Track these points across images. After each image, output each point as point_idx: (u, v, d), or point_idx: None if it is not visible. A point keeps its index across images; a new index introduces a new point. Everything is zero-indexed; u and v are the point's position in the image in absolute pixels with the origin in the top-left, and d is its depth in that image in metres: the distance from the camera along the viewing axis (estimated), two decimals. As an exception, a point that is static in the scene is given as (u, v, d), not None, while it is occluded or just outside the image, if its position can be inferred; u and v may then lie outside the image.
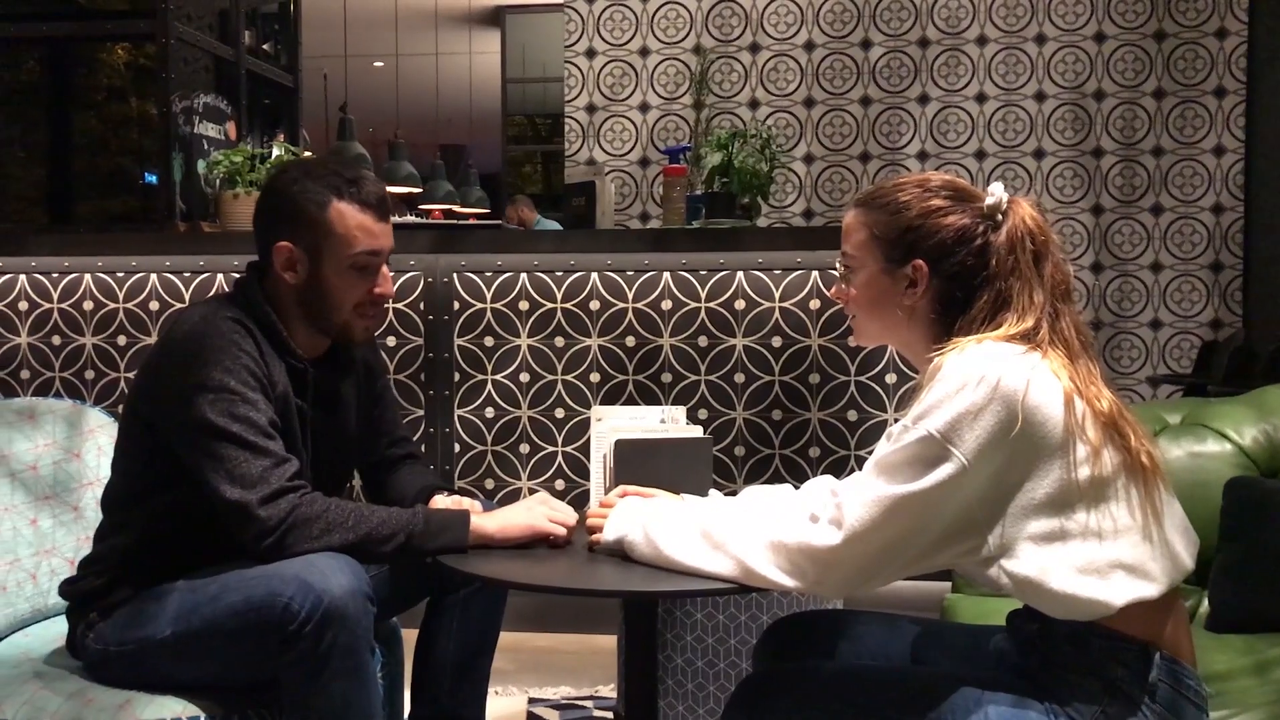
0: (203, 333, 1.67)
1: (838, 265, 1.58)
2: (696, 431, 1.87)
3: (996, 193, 1.48)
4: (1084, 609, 1.33)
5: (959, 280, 1.47)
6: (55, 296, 3.18)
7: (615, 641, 2.58)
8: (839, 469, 2.97)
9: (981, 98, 4.49)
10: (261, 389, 1.67)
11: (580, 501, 2.96)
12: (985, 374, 1.34)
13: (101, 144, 5.34)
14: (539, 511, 1.67)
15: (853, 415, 3.01)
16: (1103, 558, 1.33)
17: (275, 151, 3.42)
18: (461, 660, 1.95)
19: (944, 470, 1.33)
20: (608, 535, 1.58)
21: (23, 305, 3.18)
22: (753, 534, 1.44)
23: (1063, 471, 1.34)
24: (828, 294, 1.54)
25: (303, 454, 1.76)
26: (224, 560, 1.65)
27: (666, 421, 1.85)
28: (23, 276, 3.18)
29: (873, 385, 3.00)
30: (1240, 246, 4.40)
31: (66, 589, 1.77)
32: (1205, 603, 2.08)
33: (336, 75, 8.80)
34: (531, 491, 3.07)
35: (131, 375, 3.08)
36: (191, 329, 1.68)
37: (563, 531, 1.66)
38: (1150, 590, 1.34)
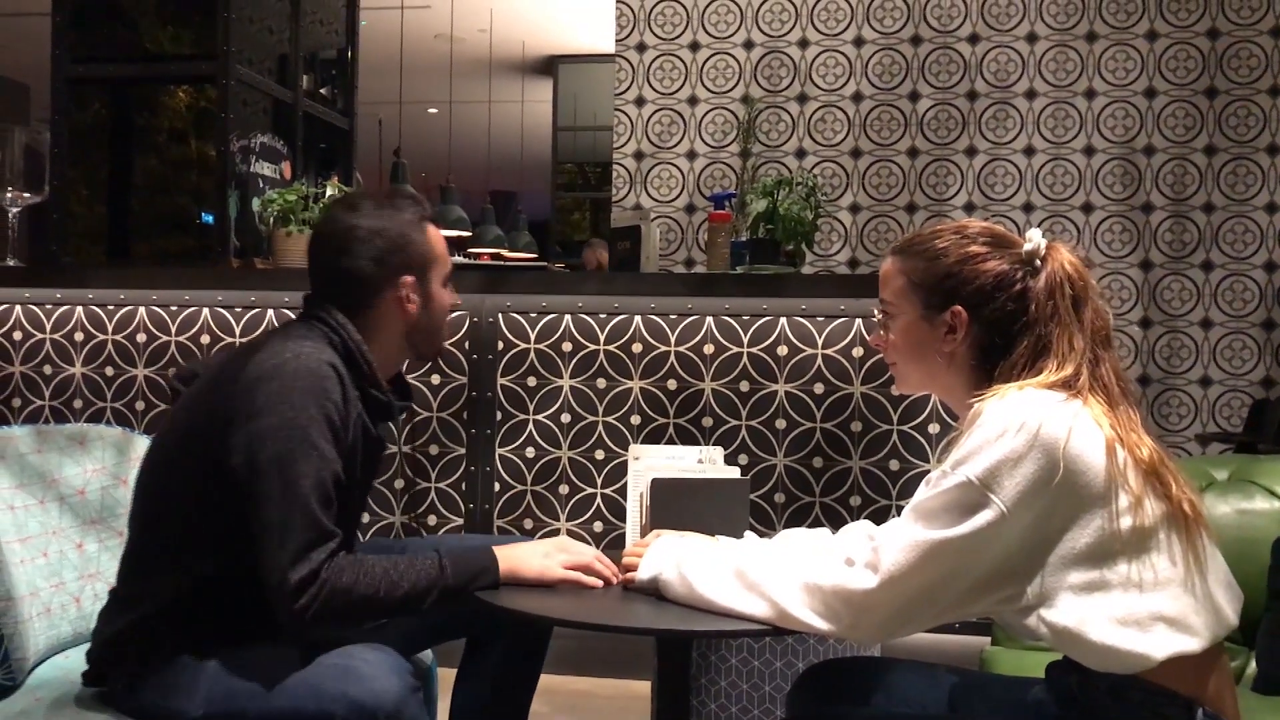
0: (295, 372, 1.60)
1: (876, 313, 1.58)
2: (734, 473, 1.87)
3: (1035, 238, 1.48)
4: (1123, 661, 1.31)
5: (998, 326, 1.46)
6: (110, 328, 3.25)
7: (650, 687, 2.56)
8: (880, 518, 2.94)
9: (1030, 151, 4.48)
10: (336, 441, 1.61)
11: (617, 544, 2.95)
12: (1026, 421, 1.34)
13: (161, 185, 5.46)
14: (556, 559, 1.64)
15: (895, 465, 2.99)
16: (1143, 609, 1.31)
17: (330, 192, 3.48)
18: (501, 697, 1.94)
19: (983, 517, 1.32)
20: (642, 574, 1.58)
21: (79, 336, 3.26)
22: (788, 576, 1.43)
23: (1104, 521, 1.32)
24: (869, 340, 1.54)
25: (364, 488, 1.77)
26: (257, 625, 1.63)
27: (704, 462, 1.85)
28: (79, 308, 3.26)
29: (915, 435, 2.98)
30: (1293, 305, 4.35)
31: (94, 661, 1.72)
32: (1253, 663, 2.03)
33: (391, 120, 8.97)
34: (571, 534, 3.08)
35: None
36: (282, 365, 1.60)
37: (585, 579, 1.63)
38: (1192, 644, 1.31)
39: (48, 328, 3.27)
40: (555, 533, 3.07)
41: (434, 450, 3.15)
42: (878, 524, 1.64)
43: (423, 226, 1.78)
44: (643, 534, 1.79)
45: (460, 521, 3.14)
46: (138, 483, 1.76)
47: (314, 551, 1.54)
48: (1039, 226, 4.37)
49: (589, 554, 1.67)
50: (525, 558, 1.64)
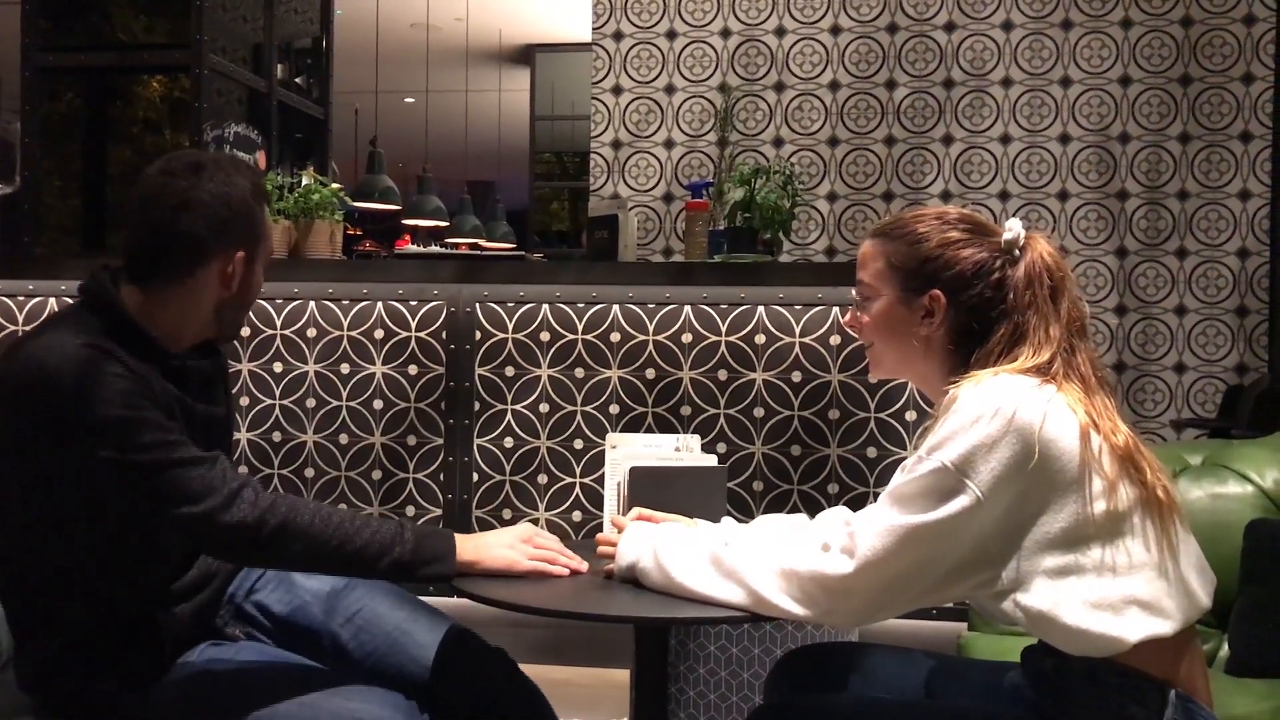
0: (63, 375, 1.47)
1: (853, 293, 1.59)
2: (711, 460, 1.87)
3: (1015, 228, 1.49)
4: (1097, 644, 1.32)
5: (976, 313, 1.47)
6: (84, 320, 3.22)
7: (629, 675, 2.56)
8: (858, 505, 2.94)
9: (1006, 139, 4.50)
10: (150, 399, 1.52)
11: (595, 533, 2.95)
12: (1001, 406, 1.34)
13: (135, 175, 5.40)
14: (522, 549, 1.61)
15: (872, 452, 3.00)
16: (1117, 593, 1.32)
17: (305, 181, 3.46)
18: None
19: (958, 502, 1.33)
20: (620, 563, 1.58)
21: (52, 328, 3.23)
22: (764, 561, 1.43)
23: (1078, 505, 1.33)
24: (843, 321, 1.54)
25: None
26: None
27: (681, 450, 1.85)
28: (52, 300, 3.23)
29: (892, 422, 2.99)
30: (1266, 291, 4.37)
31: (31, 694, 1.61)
32: (1225, 646, 2.05)
33: (367, 110, 8.92)
34: (550, 524, 3.08)
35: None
36: (48, 370, 1.47)
37: (551, 569, 1.61)
38: (1165, 627, 1.33)
39: (20, 320, 3.24)
40: (534, 524, 3.07)
41: (411, 441, 3.14)
42: (855, 511, 1.65)
43: (261, 203, 1.67)
44: (621, 524, 1.79)
45: (439, 512, 3.13)
46: None
47: (210, 482, 1.49)
48: (1016, 214, 4.40)
49: (555, 543, 1.65)
50: (489, 547, 1.60)
